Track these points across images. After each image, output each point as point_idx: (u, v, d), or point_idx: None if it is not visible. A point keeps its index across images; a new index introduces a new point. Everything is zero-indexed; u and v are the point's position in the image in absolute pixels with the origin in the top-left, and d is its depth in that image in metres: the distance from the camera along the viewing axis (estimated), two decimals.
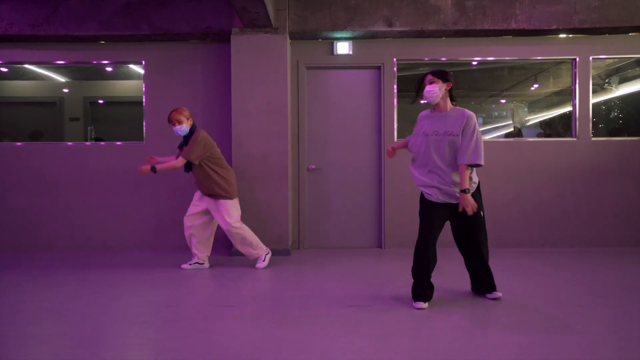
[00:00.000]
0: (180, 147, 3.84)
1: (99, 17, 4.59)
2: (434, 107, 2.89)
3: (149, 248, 4.87)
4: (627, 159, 4.82)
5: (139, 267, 4.00)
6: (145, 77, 4.90)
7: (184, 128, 3.72)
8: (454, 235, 2.97)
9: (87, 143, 4.97)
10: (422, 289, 2.79)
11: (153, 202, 4.88)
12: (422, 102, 3.18)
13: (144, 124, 4.91)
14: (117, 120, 5.56)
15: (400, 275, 3.63)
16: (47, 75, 5.33)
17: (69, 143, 4.95)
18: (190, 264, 3.93)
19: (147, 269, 3.92)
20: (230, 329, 2.44)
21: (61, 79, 5.40)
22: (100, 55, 4.94)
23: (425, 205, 2.85)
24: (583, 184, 4.83)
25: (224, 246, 4.88)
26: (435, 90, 2.78)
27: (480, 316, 2.63)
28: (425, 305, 2.75)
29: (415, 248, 2.84)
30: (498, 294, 2.90)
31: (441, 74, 2.82)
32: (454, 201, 2.77)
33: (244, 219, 4.50)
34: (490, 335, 2.33)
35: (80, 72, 5.37)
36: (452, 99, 2.88)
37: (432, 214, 2.79)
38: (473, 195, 2.78)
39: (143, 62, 4.90)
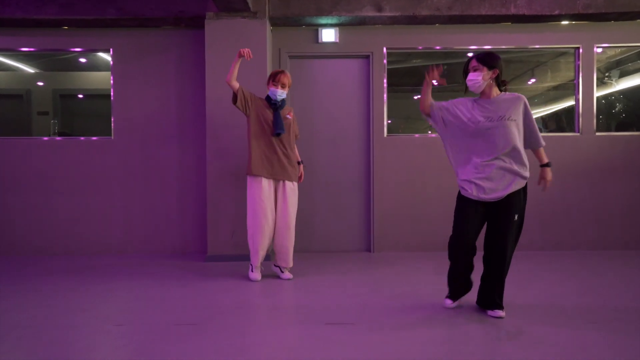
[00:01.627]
0: (275, 108, 3.39)
1: None
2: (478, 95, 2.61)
3: (117, 252, 4.47)
4: (633, 155, 4.49)
5: (100, 275, 3.60)
6: (113, 67, 4.50)
7: (284, 94, 3.40)
8: (485, 238, 2.63)
9: (56, 138, 4.57)
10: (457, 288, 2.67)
11: (121, 202, 4.49)
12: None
13: (112, 118, 4.51)
14: (90, 114, 5.18)
15: (389, 284, 3.27)
16: (14, 66, 4.92)
17: (31, 138, 4.55)
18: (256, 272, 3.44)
19: (109, 277, 3.52)
20: (186, 352, 2.06)
21: (29, 69, 5.00)
22: (64, 42, 4.53)
23: (460, 200, 2.59)
24: (587, 182, 4.50)
25: (199, 250, 4.50)
26: (478, 80, 2.49)
27: (478, 339, 2.27)
28: (454, 304, 2.67)
29: (450, 245, 2.60)
30: (501, 312, 2.52)
31: (486, 60, 2.50)
32: (486, 197, 2.48)
33: (218, 220, 4.13)
34: None
35: (50, 63, 4.97)
36: (500, 86, 2.57)
37: (467, 208, 2.53)
38: (518, 194, 2.52)
39: (111, 50, 4.50)
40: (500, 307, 2.52)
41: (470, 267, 2.63)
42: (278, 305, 2.80)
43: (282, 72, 3.40)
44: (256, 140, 3.38)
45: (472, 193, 2.49)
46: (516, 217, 2.50)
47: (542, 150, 2.61)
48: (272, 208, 3.37)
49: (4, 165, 4.47)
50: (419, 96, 2.69)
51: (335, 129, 4.58)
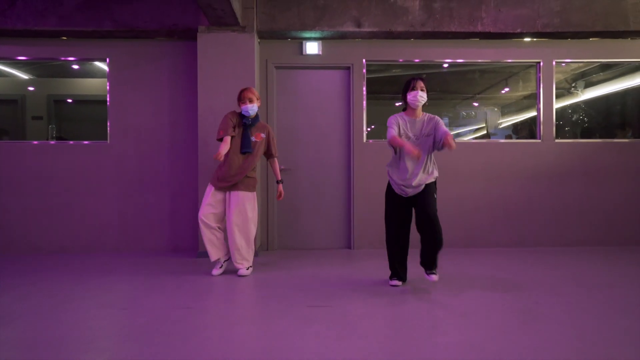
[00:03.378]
0: (245, 127, 3.61)
1: (59, 11, 4.45)
2: (403, 111, 3.24)
3: (112, 250, 4.73)
4: (589, 161, 4.94)
5: (99, 270, 3.87)
6: (109, 75, 4.77)
7: (254, 107, 3.61)
8: (415, 212, 3.17)
9: (52, 142, 4.81)
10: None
11: (117, 203, 4.75)
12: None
13: (108, 123, 4.77)
14: (83, 119, 5.41)
15: (365, 276, 3.62)
16: (9, 72, 5.14)
17: (30, 142, 4.78)
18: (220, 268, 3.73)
19: (107, 272, 3.79)
20: (180, 331, 2.37)
21: (24, 76, 5.23)
22: (62, 52, 4.78)
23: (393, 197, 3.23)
24: (547, 185, 4.93)
25: (190, 248, 4.79)
26: (425, 99, 3.14)
27: (439, 315, 2.63)
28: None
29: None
30: (435, 277, 3.11)
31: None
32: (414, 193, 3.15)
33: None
34: (444, 336, 2.33)
35: (45, 70, 5.21)
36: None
37: (398, 204, 3.21)
38: (432, 185, 3.17)
39: (107, 60, 4.78)
40: (434, 268, 3.13)
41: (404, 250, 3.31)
42: (264, 292, 3.12)
43: (246, 88, 3.63)
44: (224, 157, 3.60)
45: (408, 193, 3.13)
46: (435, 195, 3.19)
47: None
48: (220, 214, 3.63)
49: (3, 167, 4.68)
50: (394, 145, 3.09)
51: (318, 135, 4.93)
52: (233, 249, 3.62)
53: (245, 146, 3.60)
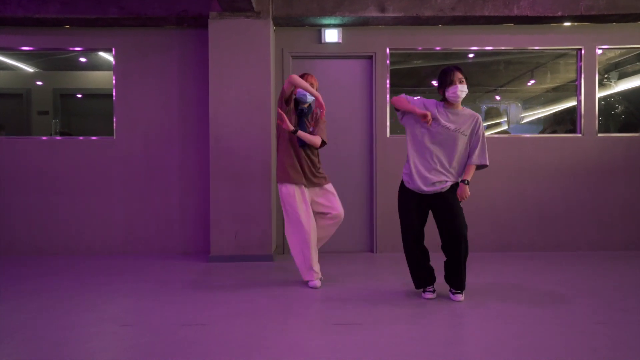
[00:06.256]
0: (301, 114, 3.25)
1: None
2: (441, 101, 2.88)
3: (118, 252, 4.46)
4: (633, 156, 4.51)
5: (103, 275, 3.59)
6: (115, 66, 4.48)
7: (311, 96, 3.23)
8: (435, 218, 2.90)
9: (57, 138, 4.56)
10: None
11: (123, 202, 4.47)
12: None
13: (114, 118, 4.49)
14: (90, 113, 5.16)
15: (392, 284, 3.27)
16: (14, 66, 4.89)
17: (32, 138, 4.53)
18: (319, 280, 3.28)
19: (112, 278, 3.51)
20: (197, 352, 2.05)
21: (29, 69, 4.98)
22: (66, 42, 4.51)
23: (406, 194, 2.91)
24: (588, 183, 4.51)
25: (201, 251, 4.49)
26: (466, 91, 2.78)
27: (485, 340, 2.27)
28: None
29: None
30: (460, 297, 2.83)
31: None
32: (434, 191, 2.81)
33: (221, 220, 4.12)
34: None
35: (51, 63, 4.96)
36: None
37: (414, 205, 2.88)
38: (455, 189, 2.86)
39: (113, 50, 4.48)
40: (461, 288, 2.84)
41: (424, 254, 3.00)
42: (285, 306, 2.79)
43: (309, 73, 3.32)
44: (282, 148, 3.26)
45: (422, 189, 2.80)
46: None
47: (474, 167, 2.83)
48: (311, 214, 3.21)
49: (4, 164, 4.44)
50: (400, 100, 2.85)
51: (338, 130, 4.57)
52: (317, 248, 3.24)
53: (300, 140, 3.20)
